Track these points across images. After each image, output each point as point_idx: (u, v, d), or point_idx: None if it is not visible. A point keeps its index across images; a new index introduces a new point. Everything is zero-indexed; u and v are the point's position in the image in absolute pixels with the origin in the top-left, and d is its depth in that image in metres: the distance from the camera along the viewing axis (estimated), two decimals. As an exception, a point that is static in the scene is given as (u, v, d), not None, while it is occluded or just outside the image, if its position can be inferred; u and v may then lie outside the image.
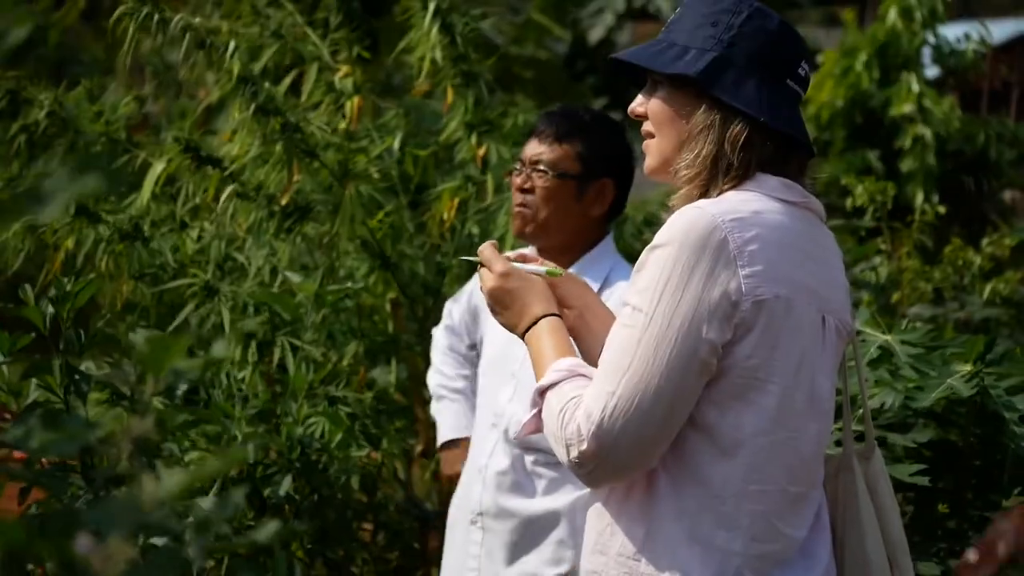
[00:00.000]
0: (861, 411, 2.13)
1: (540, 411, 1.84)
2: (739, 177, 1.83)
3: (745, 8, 1.87)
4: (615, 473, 1.76)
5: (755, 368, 1.74)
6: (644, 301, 1.73)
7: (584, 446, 1.72)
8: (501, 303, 1.95)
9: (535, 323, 1.91)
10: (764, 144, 1.84)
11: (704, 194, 1.85)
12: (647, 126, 1.93)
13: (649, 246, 1.79)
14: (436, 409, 3.23)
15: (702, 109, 1.85)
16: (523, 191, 2.82)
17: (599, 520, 1.88)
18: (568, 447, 1.75)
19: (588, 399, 1.75)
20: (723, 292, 1.71)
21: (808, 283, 1.79)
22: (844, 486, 1.99)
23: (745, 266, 1.72)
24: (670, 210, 1.86)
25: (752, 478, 1.76)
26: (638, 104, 1.94)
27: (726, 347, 1.73)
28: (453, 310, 3.21)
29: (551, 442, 1.81)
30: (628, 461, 1.73)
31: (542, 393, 1.83)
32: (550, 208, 2.80)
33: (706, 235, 1.72)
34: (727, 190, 1.83)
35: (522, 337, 1.93)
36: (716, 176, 1.84)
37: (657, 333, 1.71)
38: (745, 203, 1.78)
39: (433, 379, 3.24)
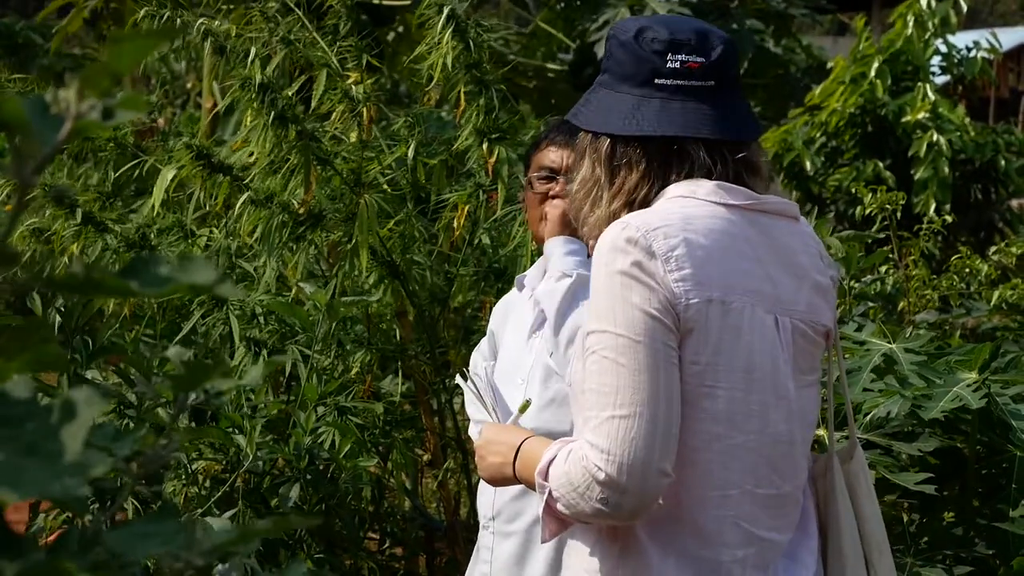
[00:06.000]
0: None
1: (550, 497, 1.78)
2: (627, 193, 1.85)
3: (612, 30, 1.95)
4: (644, 493, 1.70)
5: (700, 374, 1.73)
6: (605, 322, 1.73)
7: (602, 476, 1.68)
8: (488, 453, 2.03)
9: (517, 451, 1.95)
10: (640, 155, 1.85)
11: (587, 217, 1.90)
12: None
13: (592, 269, 1.80)
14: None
15: (583, 138, 1.94)
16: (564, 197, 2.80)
17: (573, 537, 1.87)
18: (587, 489, 1.71)
19: (588, 435, 1.72)
20: (661, 295, 1.71)
21: (749, 285, 1.77)
22: (827, 487, 2.00)
23: (673, 271, 1.72)
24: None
25: (711, 483, 1.76)
26: None
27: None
28: (478, 360, 3.17)
29: (572, 507, 1.75)
30: (650, 476, 1.69)
31: (545, 475, 1.79)
32: None
33: (631, 245, 1.73)
34: (620, 208, 1.85)
35: (514, 473, 1.95)
36: (599, 197, 1.88)
37: (629, 345, 1.70)
38: (671, 212, 1.78)
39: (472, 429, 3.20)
